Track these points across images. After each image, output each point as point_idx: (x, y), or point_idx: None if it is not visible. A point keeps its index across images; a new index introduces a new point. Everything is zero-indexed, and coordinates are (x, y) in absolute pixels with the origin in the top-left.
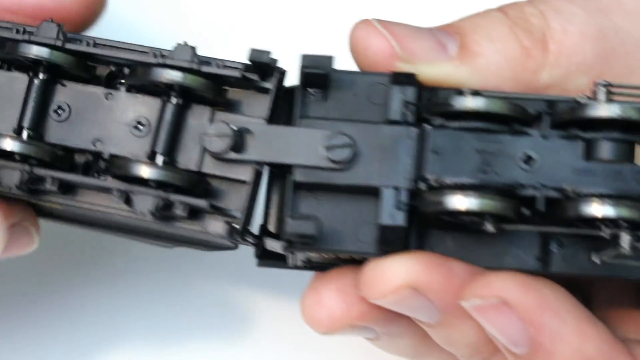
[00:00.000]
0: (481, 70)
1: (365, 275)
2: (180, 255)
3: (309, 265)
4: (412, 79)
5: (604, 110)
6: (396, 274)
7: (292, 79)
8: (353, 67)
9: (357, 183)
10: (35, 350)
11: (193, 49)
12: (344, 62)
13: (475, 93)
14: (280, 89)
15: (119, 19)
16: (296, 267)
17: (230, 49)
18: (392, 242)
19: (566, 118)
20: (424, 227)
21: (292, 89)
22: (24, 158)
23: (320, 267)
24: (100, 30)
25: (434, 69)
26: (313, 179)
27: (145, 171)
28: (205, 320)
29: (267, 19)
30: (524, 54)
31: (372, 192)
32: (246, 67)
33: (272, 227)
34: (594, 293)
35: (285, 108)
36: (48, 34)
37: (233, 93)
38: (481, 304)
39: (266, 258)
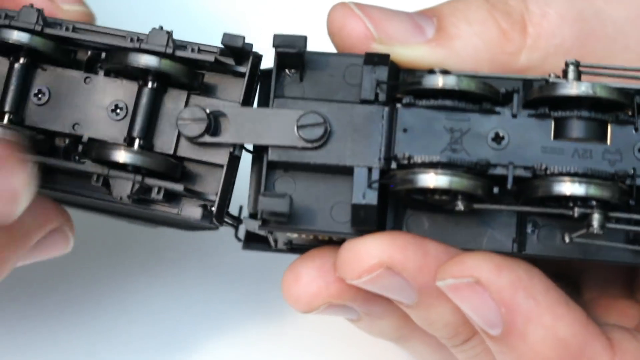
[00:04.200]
0: (458, 53)
1: (340, 255)
2: (190, 251)
3: (291, 248)
4: (385, 58)
5: (573, 88)
6: (370, 253)
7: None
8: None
9: (330, 162)
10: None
11: (169, 33)
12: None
13: (445, 72)
14: (255, 73)
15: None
16: (279, 250)
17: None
18: (364, 221)
19: (536, 97)
20: (400, 207)
21: (269, 72)
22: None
23: (301, 249)
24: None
25: (410, 51)
26: (287, 158)
27: (122, 156)
28: (217, 313)
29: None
30: (502, 37)
31: (346, 172)
32: (221, 52)
33: (250, 208)
34: (583, 282)
35: (265, 90)
36: (28, 18)
37: (210, 77)
38: (455, 284)
39: (251, 242)
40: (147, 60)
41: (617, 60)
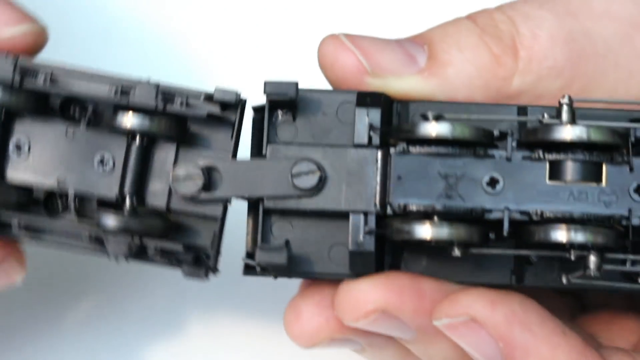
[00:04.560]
0: (451, 81)
1: (338, 298)
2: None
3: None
4: (377, 99)
5: (568, 133)
6: (366, 299)
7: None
8: (324, 82)
9: (325, 208)
10: None
11: (157, 86)
12: (314, 77)
13: (438, 117)
14: (242, 118)
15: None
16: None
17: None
18: (362, 266)
19: (530, 140)
20: (398, 247)
21: (262, 108)
22: None
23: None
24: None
25: (404, 82)
26: (282, 206)
27: (118, 221)
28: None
29: (239, 35)
30: (494, 62)
31: (342, 216)
32: (206, 96)
33: (248, 247)
34: (585, 296)
35: (257, 128)
36: (3, 70)
37: (195, 125)
38: (451, 322)
39: (252, 268)
40: (135, 123)
41: (609, 79)
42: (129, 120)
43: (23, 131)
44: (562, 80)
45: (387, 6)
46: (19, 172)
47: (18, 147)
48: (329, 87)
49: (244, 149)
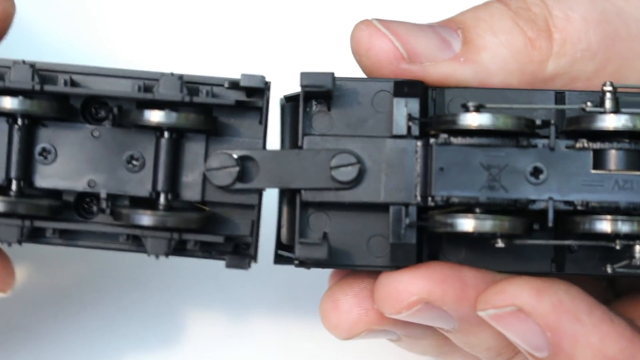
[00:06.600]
0: (486, 66)
1: (378, 290)
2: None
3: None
4: (416, 89)
5: (612, 122)
6: (408, 290)
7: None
8: (356, 67)
9: (365, 200)
10: None
11: (180, 78)
12: (346, 63)
13: (479, 107)
14: (269, 102)
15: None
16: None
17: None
18: (403, 258)
19: (574, 128)
20: (436, 237)
21: (294, 97)
22: (21, 215)
23: None
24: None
25: (440, 68)
26: (321, 198)
27: (152, 219)
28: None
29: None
30: (529, 45)
31: (381, 207)
32: (231, 83)
33: (284, 239)
34: (620, 282)
35: (292, 117)
36: (22, 77)
37: (219, 112)
38: (497, 313)
39: (282, 258)
40: (163, 118)
41: None
42: (156, 115)
43: (47, 137)
44: (596, 62)
45: None
46: (48, 179)
47: (44, 154)
48: (350, 72)
49: (269, 134)
